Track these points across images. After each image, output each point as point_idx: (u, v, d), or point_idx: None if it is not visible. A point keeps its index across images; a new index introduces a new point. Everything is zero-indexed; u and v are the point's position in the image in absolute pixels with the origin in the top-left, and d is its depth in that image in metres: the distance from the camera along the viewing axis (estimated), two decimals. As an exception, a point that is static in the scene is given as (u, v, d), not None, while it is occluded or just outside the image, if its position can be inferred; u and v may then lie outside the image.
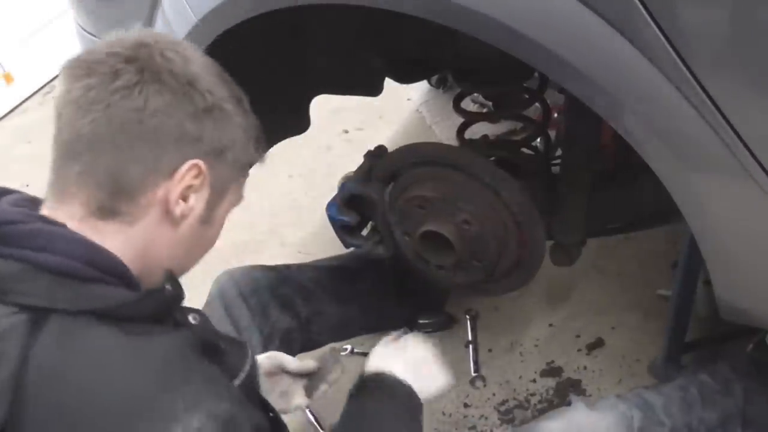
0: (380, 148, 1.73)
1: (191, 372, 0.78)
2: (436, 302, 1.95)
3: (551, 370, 1.77)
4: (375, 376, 1.16)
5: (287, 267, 1.73)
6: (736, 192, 0.97)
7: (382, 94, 1.90)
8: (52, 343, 0.71)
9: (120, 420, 0.70)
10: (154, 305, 0.80)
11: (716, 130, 0.90)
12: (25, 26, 3.70)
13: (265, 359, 1.26)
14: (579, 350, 1.79)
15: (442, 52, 1.58)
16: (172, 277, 0.84)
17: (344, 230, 1.72)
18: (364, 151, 1.71)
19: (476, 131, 1.74)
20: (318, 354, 1.47)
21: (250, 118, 0.93)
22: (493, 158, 1.62)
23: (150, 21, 1.38)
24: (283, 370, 1.27)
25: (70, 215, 0.81)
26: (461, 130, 1.73)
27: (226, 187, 0.92)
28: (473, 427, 1.69)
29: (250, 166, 0.98)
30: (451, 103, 1.75)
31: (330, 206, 1.72)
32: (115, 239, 0.82)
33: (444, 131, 2.66)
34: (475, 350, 1.86)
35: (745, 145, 0.90)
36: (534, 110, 1.78)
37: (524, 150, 1.73)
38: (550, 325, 1.88)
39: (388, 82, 1.90)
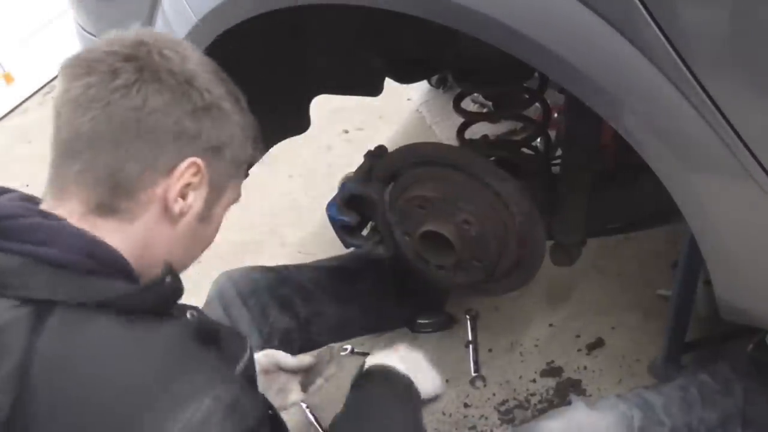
0: (380, 148, 1.73)
1: (195, 359, 0.78)
2: (436, 302, 1.95)
3: (551, 370, 1.77)
4: (376, 368, 1.18)
5: (286, 268, 1.73)
6: (736, 192, 0.97)
7: (382, 94, 1.90)
8: (56, 335, 0.71)
9: (128, 407, 0.71)
10: (155, 297, 0.81)
11: (716, 130, 0.90)
12: (25, 26, 3.70)
13: (262, 357, 1.26)
14: (579, 350, 1.79)
15: (442, 52, 1.58)
16: (172, 271, 0.85)
17: (344, 230, 1.72)
18: (364, 151, 1.71)
19: (476, 131, 1.74)
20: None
21: (247, 116, 0.94)
22: (493, 158, 1.62)
23: (150, 21, 1.38)
24: (280, 368, 1.27)
25: (69, 212, 0.82)
26: (461, 130, 1.73)
27: (224, 185, 0.92)
28: (473, 427, 1.69)
29: (249, 166, 0.99)
30: (451, 103, 1.75)
31: (330, 206, 1.72)
32: (114, 236, 0.82)
33: (444, 131, 2.66)
34: (475, 350, 1.86)
35: (745, 145, 0.90)
36: (534, 110, 1.78)
37: (524, 150, 1.73)
38: (550, 325, 1.88)
39: (388, 82, 1.90)
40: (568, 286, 1.96)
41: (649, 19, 0.85)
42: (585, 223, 1.55)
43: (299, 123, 1.84)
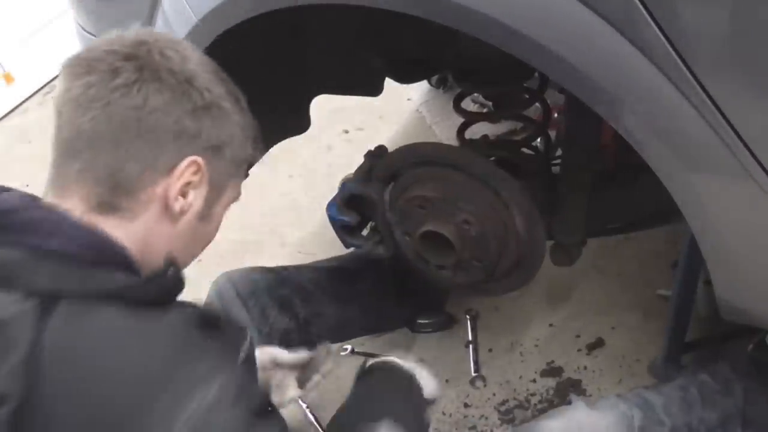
0: (380, 148, 1.73)
1: (199, 347, 0.79)
2: (436, 302, 1.95)
3: (551, 370, 1.77)
4: (378, 364, 1.20)
5: (285, 268, 1.73)
6: (736, 192, 0.97)
7: (382, 94, 1.90)
8: (64, 326, 0.72)
9: (137, 395, 0.71)
10: (157, 289, 0.81)
11: (716, 130, 0.90)
12: (25, 26, 3.70)
13: (258, 353, 1.26)
14: (579, 350, 1.79)
15: (442, 52, 1.58)
16: (174, 264, 0.85)
17: (344, 230, 1.72)
18: (364, 151, 1.71)
19: (476, 131, 1.74)
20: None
21: (247, 116, 0.94)
22: (493, 158, 1.62)
23: (150, 21, 1.38)
24: (276, 364, 1.27)
25: (70, 210, 0.82)
26: (461, 130, 1.73)
27: (224, 184, 0.93)
28: (473, 427, 1.69)
29: (249, 165, 0.99)
30: (451, 103, 1.75)
31: (330, 206, 1.72)
32: (116, 233, 0.82)
33: (444, 131, 2.66)
34: (475, 350, 1.86)
35: (745, 145, 0.90)
36: (534, 110, 1.78)
37: (524, 150, 1.73)
38: (551, 325, 1.88)
39: (388, 82, 1.90)
40: (568, 286, 1.96)
41: (649, 18, 0.85)
42: (585, 223, 1.55)
43: (299, 123, 1.84)
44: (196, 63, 0.87)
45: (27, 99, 3.79)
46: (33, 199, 0.85)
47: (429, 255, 1.57)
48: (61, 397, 0.69)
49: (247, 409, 0.77)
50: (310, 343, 1.62)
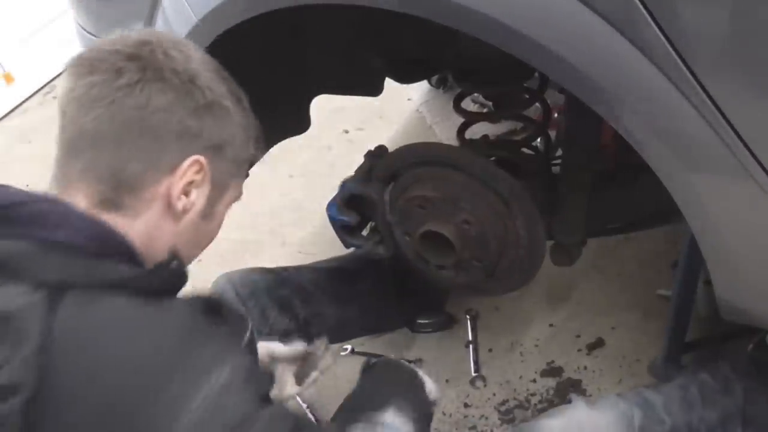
0: (380, 148, 1.73)
1: (207, 332, 0.80)
2: (436, 302, 1.95)
3: (551, 370, 1.77)
4: (382, 360, 1.22)
5: (285, 269, 1.73)
6: (736, 192, 0.97)
7: (383, 94, 1.90)
8: (73, 316, 0.72)
9: (152, 379, 0.72)
10: (162, 280, 0.82)
11: (716, 130, 0.90)
12: (25, 26, 3.70)
13: None
14: (579, 350, 1.79)
15: (442, 52, 1.58)
16: (177, 257, 0.86)
17: (344, 230, 1.72)
18: (365, 151, 1.71)
19: (476, 131, 1.74)
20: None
21: (249, 116, 0.95)
22: (493, 158, 1.62)
23: (150, 21, 1.38)
24: (273, 358, 1.27)
25: (75, 204, 0.83)
26: (461, 130, 1.73)
27: (226, 183, 0.94)
28: (473, 427, 1.69)
29: (251, 165, 1.00)
30: (452, 103, 1.75)
31: (330, 206, 1.72)
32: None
33: (444, 131, 2.66)
34: (476, 350, 1.86)
35: (746, 145, 0.90)
36: (534, 110, 1.78)
37: (524, 150, 1.73)
38: (551, 325, 1.88)
39: (388, 82, 1.90)
40: (568, 286, 1.96)
41: (649, 18, 0.85)
42: (585, 223, 1.55)
43: (299, 123, 1.84)
44: (199, 62, 0.88)
45: (27, 99, 3.80)
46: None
47: (429, 255, 1.57)
48: (74, 386, 0.70)
49: (256, 392, 0.78)
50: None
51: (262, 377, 0.82)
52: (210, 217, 0.93)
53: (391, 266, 1.76)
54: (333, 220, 1.72)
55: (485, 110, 2.31)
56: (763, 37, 0.83)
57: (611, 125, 1.01)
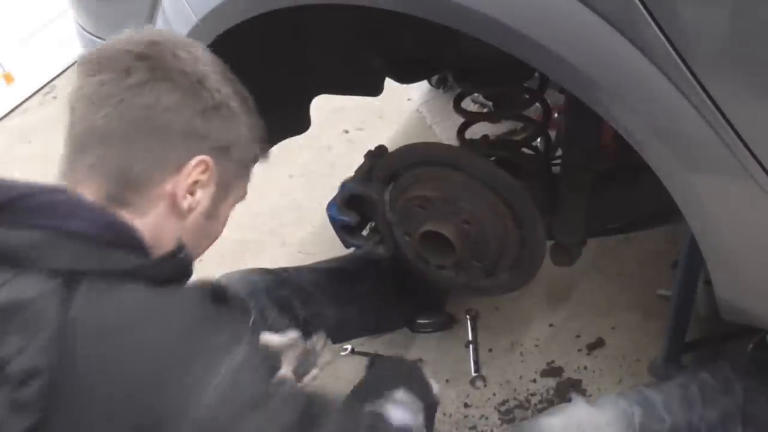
0: (380, 148, 1.73)
1: (217, 318, 0.81)
2: (436, 302, 1.95)
3: (551, 370, 1.77)
4: (385, 357, 1.22)
5: (285, 270, 1.73)
6: (736, 192, 0.97)
7: (383, 94, 1.89)
8: (89, 303, 0.73)
9: (177, 358, 0.73)
10: (171, 269, 0.84)
11: (716, 130, 0.90)
12: (25, 26, 3.70)
13: None
14: (579, 350, 1.79)
15: (442, 52, 1.58)
16: (184, 247, 0.87)
17: (344, 230, 1.72)
18: (365, 151, 1.71)
19: (476, 131, 1.74)
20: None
21: (254, 117, 0.96)
22: (493, 158, 1.62)
23: (150, 21, 1.38)
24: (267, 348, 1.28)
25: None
26: (461, 130, 1.73)
27: (231, 183, 0.95)
28: (473, 427, 1.69)
29: (254, 165, 1.01)
30: (452, 103, 1.75)
31: (330, 206, 1.72)
32: None
33: (444, 131, 2.66)
34: (476, 350, 1.86)
35: (746, 145, 0.90)
36: (534, 110, 1.78)
37: (524, 150, 1.73)
38: (551, 325, 1.88)
39: (389, 82, 1.90)
40: (568, 286, 1.96)
41: (649, 18, 0.85)
42: (585, 223, 1.55)
43: (299, 123, 1.84)
44: (207, 64, 0.90)
45: (27, 99, 3.79)
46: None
47: (429, 255, 1.57)
48: (92, 372, 0.70)
49: (272, 367, 0.82)
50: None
51: (273, 357, 0.83)
52: (214, 217, 0.95)
53: (391, 266, 1.76)
54: (333, 220, 1.72)
55: (485, 110, 2.31)
56: (763, 37, 0.83)
57: (611, 125, 1.01)
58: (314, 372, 1.28)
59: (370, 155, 1.69)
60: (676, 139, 0.96)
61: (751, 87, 0.88)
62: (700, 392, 1.30)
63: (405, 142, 1.62)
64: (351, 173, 1.75)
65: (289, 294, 1.63)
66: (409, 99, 2.95)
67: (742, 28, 0.84)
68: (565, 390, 1.70)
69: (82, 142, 0.85)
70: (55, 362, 0.69)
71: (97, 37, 1.58)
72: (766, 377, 1.33)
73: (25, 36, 3.71)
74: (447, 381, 1.79)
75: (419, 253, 1.59)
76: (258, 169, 1.03)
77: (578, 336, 1.83)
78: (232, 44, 1.23)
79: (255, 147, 0.98)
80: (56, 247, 0.76)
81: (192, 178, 0.87)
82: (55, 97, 3.74)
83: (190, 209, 0.89)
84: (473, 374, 1.79)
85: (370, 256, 1.76)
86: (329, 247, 1.93)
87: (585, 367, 1.75)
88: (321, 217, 1.87)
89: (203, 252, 0.99)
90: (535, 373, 1.77)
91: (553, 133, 1.80)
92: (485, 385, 1.77)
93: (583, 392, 1.69)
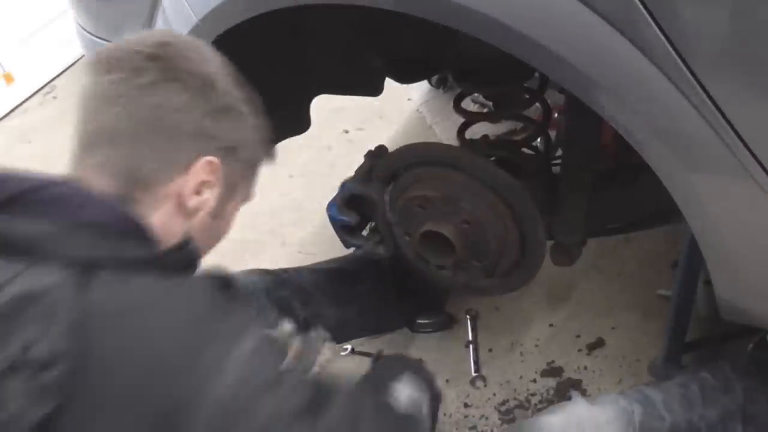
0: (380, 148, 1.73)
1: (225, 306, 0.82)
2: (436, 302, 1.95)
3: (552, 370, 1.77)
4: (388, 355, 1.25)
5: (285, 270, 1.73)
6: (736, 192, 0.97)
7: (383, 94, 1.89)
8: (107, 289, 0.74)
9: (192, 344, 0.74)
10: (180, 259, 0.85)
11: (717, 130, 0.90)
12: (25, 26, 3.70)
13: None
14: (579, 350, 1.79)
15: (442, 52, 1.58)
16: (191, 240, 0.88)
17: (344, 230, 1.72)
18: (365, 151, 1.71)
19: (476, 131, 1.74)
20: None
21: (259, 118, 0.97)
22: (493, 158, 1.62)
23: (150, 21, 1.38)
24: None
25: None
26: (461, 130, 1.73)
27: (237, 183, 0.96)
28: (474, 427, 1.69)
29: (261, 165, 1.02)
30: (452, 103, 1.75)
31: (330, 206, 1.72)
32: None
33: (444, 131, 2.66)
34: (476, 350, 1.86)
35: (746, 145, 0.90)
36: (534, 110, 1.78)
37: (524, 150, 1.73)
38: (551, 325, 1.88)
39: (389, 82, 1.90)
40: (568, 286, 1.96)
41: (649, 18, 0.85)
42: (585, 223, 1.55)
43: (299, 123, 1.84)
44: (216, 65, 0.91)
45: (27, 99, 3.80)
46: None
47: (429, 255, 1.57)
48: (110, 357, 0.71)
49: (280, 355, 0.83)
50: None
51: (280, 344, 0.84)
52: (221, 217, 0.96)
53: (391, 266, 1.76)
54: (333, 220, 1.72)
55: (485, 110, 2.31)
56: (763, 37, 0.83)
57: (611, 125, 1.01)
58: (314, 370, 1.28)
59: (370, 155, 1.69)
60: (676, 139, 0.96)
61: (751, 87, 0.88)
62: (701, 391, 1.30)
63: (405, 142, 1.62)
64: (351, 173, 1.76)
65: (289, 295, 1.63)
66: (409, 99, 2.95)
67: (742, 28, 0.84)
68: (565, 390, 1.70)
69: (92, 141, 0.86)
70: (75, 348, 0.69)
71: (97, 37, 1.58)
72: (766, 377, 1.33)
73: (25, 36, 3.71)
74: (447, 381, 1.79)
75: (419, 253, 1.59)
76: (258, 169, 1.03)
77: (578, 336, 1.83)
78: (232, 44, 1.23)
79: (261, 147, 0.99)
80: (70, 237, 0.76)
81: (199, 178, 0.88)
82: (55, 97, 3.74)
83: (197, 209, 0.90)
84: (473, 374, 1.79)
85: (370, 256, 1.76)
86: (329, 247, 1.93)
87: (585, 367, 1.75)
88: (321, 217, 1.87)
89: (208, 252, 0.99)
90: (535, 373, 1.77)
91: (553, 133, 1.80)
92: (485, 385, 1.77)
93: (583, 392, 1.69)
